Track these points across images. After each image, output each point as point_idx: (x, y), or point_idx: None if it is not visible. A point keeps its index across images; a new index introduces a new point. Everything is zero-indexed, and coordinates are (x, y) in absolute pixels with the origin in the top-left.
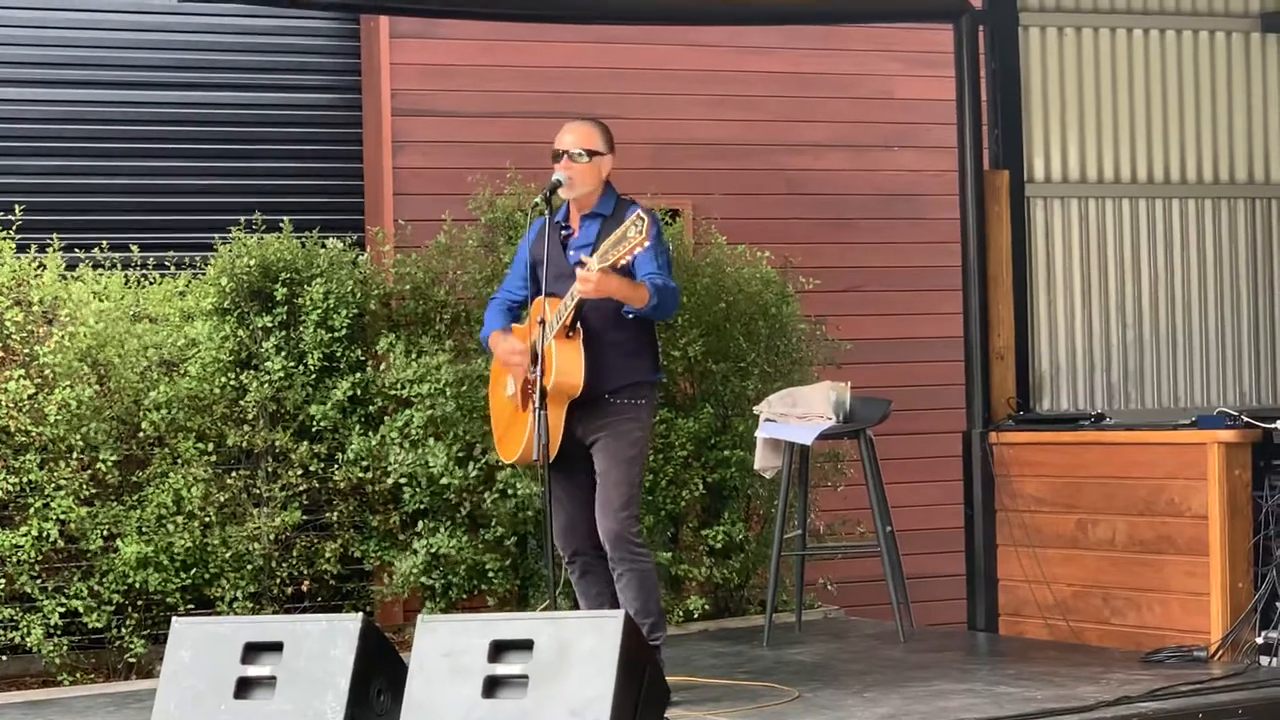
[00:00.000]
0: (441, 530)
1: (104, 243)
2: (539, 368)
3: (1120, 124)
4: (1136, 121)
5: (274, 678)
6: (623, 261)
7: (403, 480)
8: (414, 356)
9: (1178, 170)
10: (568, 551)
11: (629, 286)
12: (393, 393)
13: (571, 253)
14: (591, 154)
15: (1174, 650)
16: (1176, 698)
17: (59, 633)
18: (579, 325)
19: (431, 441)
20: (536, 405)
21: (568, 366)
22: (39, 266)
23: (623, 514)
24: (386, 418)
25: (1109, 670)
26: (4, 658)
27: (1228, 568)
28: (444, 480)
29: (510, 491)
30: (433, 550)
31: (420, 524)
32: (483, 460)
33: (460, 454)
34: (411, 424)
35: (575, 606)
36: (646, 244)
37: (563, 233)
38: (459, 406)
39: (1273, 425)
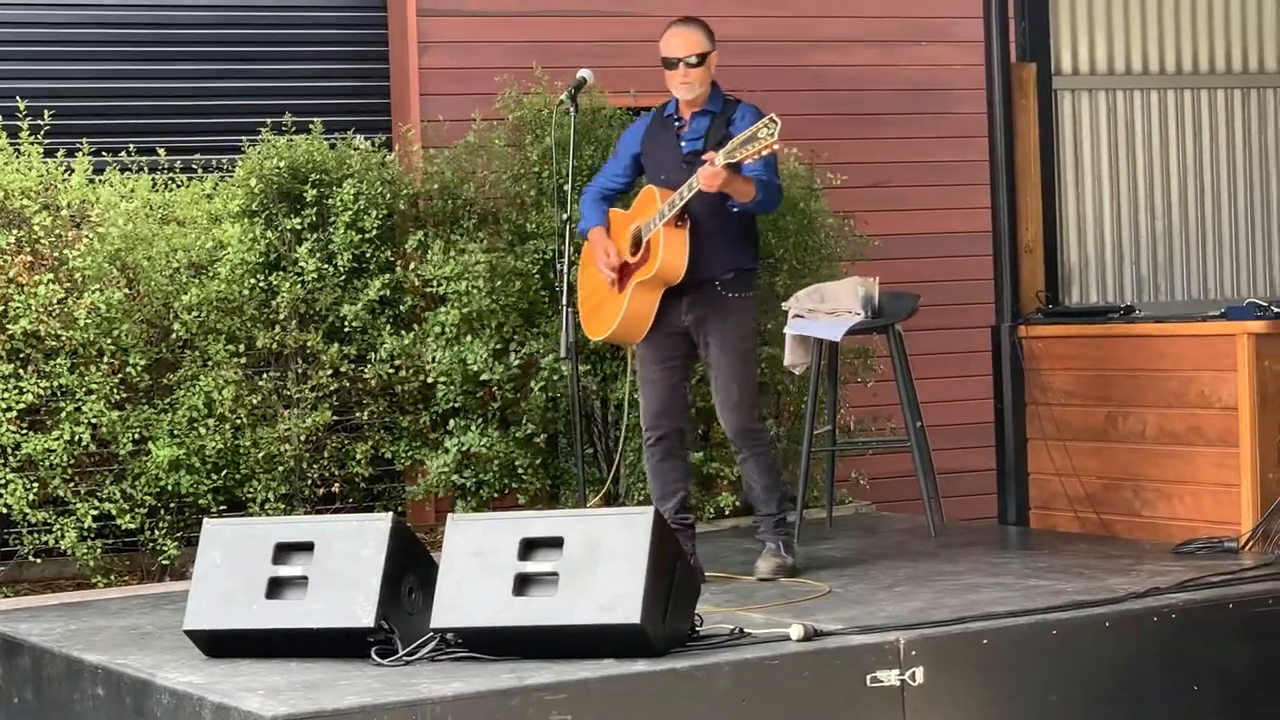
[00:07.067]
0: (473, 428)
1: (131, 146)
2: (640, 254)
3: (1148, 13)
4: (1165, 11)
5: (305, 578)
6: (750, 160)
7: (441, 378)
8: (450, 254)
9: (1206, 60)
10: (655, 434)
11: (741, 182)
12: (428, 290)
13: (684, 144)
14: (703, 57)
15: (1204, 541)
16: (1207, 589)
17: (92, 536)
18: (686, 215)
19: (468, 338)
20: (563, 302)
21: (674, 252)
22: (67, 170)
23: (745, 405)
24: (428, 314)
25: (1139, 562)
26: (39, 561)
27: (1258, 459)
28: (483, 376)
29: (556, 379)
30: (464, 448)
31: (451, 422)
32: (522, 352)
33: (498, 347)
34: (448, 320)
35: (613, 500)
36: (776, 147)
37: (676, 124)
38: (494, 301)
39: None
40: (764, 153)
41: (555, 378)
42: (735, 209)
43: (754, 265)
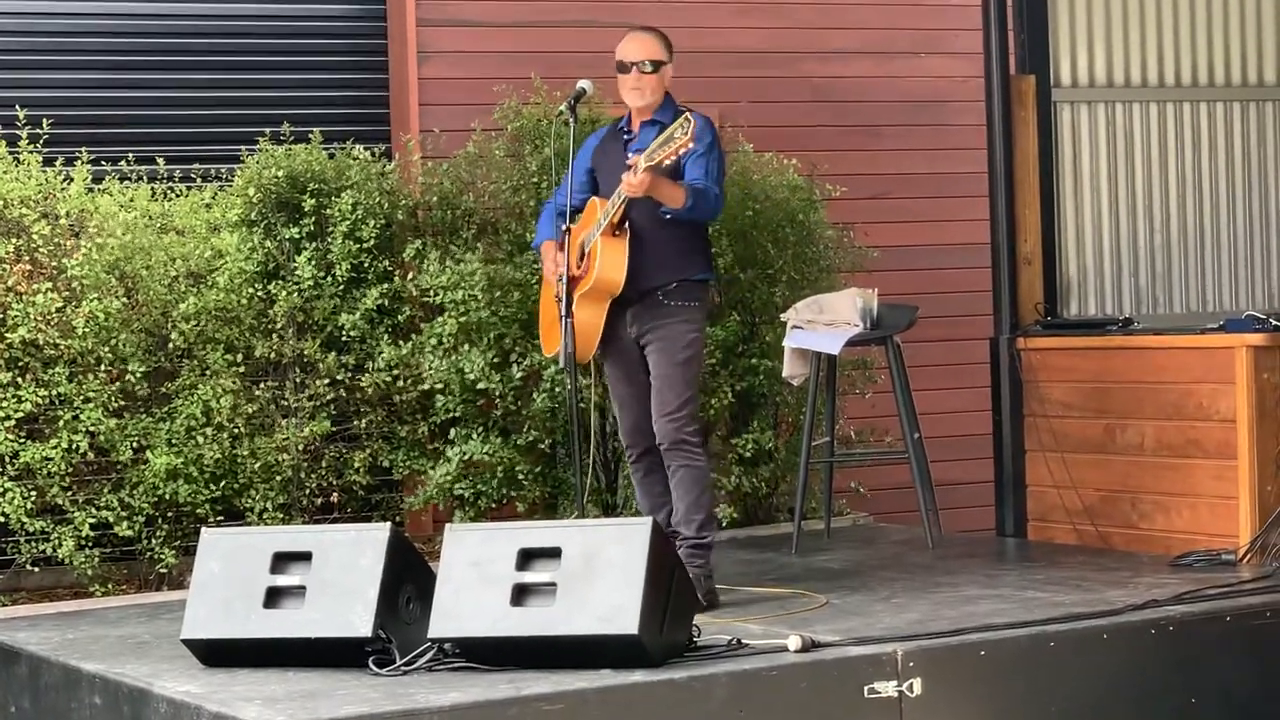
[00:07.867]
0: (475, 436)
1: (130, 155)
2: (583, 266)
3: (1147, 26)
4: (1164, 23)
5: (303, 587)
6: (668, 161)
7: (438, 387)
8: (446, 264)
9: (1205, 72)
10: (635, 451)
11: (669, 186)
12: (425, 299)
13: (629, 156)
14: (657, 65)
15: (1202, 554)
16: (1204, 601)
17: (90, 544)
18: (626, 224)
19: (466, 348)
20: (562, 312)
21: (610, 263)
22: (66, 179)
23: (679, 415)
24: (425, 325)
25: (1137, 575)
26: (36, 570)
27: (1256, 471)
28: (480, 385)
29: (558, 389)
30: (466, 456)
31: (452, 431)
32: (524, 363)
33: (496, 360)
34: (445, 330)
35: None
36: (692, 145)
37: (625, 136)
38: (493, 313)
39: None
40: (680, 151)
41: (557, 388)
42: (668, 215)
43: (704, 277)
